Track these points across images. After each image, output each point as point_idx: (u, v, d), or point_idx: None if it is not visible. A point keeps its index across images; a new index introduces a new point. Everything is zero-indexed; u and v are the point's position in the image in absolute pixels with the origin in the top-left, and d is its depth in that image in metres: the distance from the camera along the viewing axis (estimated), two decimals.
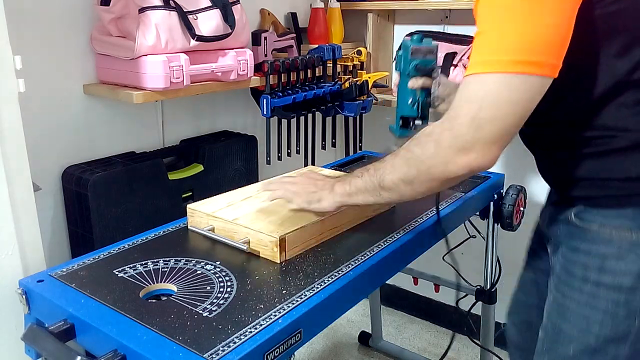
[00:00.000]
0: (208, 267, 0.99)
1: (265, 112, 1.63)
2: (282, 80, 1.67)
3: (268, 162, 1.76)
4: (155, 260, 1.01)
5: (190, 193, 1.56)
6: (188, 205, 1.15)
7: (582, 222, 0.89)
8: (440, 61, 1.20)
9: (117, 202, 1.37)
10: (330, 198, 0.99)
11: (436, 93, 1.20)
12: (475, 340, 1.67)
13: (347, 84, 1.87)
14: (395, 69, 1.23)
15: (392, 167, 0.88)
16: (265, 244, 1.01)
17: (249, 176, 1.73)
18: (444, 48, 1.78)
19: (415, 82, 1.17)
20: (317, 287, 0.91)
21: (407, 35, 1.22)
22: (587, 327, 0.87)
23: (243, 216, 1.08)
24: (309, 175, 1.09)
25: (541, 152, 1.00)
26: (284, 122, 1.75)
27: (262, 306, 0.85)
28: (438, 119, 1.12)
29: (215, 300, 0.87)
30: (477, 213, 1.49)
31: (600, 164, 0.87)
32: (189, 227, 1.14)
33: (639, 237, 0.83)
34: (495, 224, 1.54)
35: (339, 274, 0.96)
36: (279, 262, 1.00)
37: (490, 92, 0.75)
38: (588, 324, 0.87)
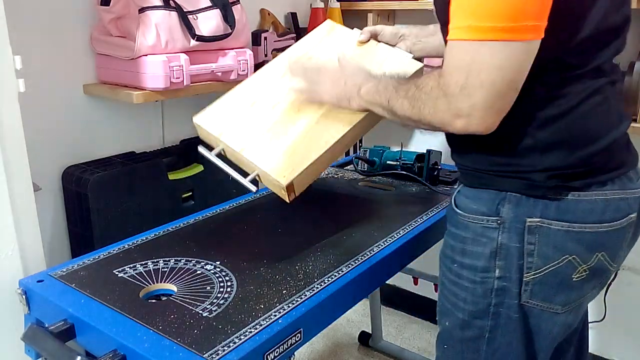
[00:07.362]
0: (208, 267, 0.99)
1: None
2: None
3: None
4: (155, 260, 1.01)
5: (190, 193, 1.56)
6: (194, 118, 1.10)
7: (456, 206, 0.95)
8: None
9: (117, 202, 1.37)
10: (358, 100, 0.99)
11: None
12: None
13: None
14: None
15: (401, 105, 0.90)
16: (273, 183, 1.01)
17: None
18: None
19: None
20: (317, 287, 0.91)
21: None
22: (455, 303, 0.95)
23: (250, 143, 1.04)
24: (341, 62, 1.05)
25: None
26: None
27: (262, 306, 0.85)
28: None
29: (215, 300, 0.87)
30: None
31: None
32: (200, 141, 1.12)
33: (489, 223, 0.89)
34: None
35: (339, 274, 0.96)
36: (288, 201, 1.00)
37: (475, 59, 0.76)
38: (456, 300, 0.95)
